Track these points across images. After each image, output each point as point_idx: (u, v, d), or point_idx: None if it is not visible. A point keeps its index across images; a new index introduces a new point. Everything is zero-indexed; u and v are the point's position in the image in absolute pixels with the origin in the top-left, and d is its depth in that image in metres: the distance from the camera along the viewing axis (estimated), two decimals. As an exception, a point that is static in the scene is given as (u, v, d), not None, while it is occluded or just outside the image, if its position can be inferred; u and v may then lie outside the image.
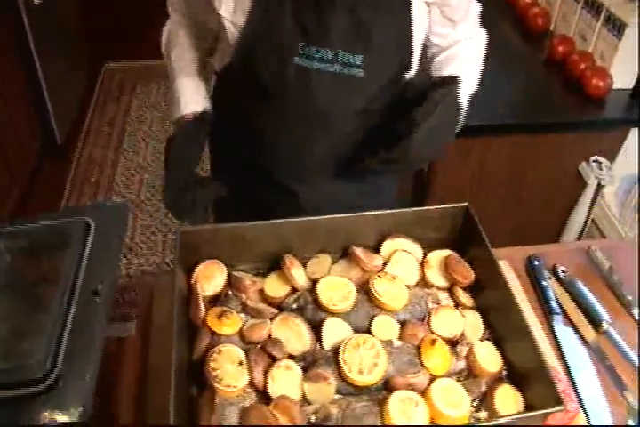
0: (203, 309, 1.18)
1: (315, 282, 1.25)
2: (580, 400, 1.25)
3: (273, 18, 1.29)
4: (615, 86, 2.20)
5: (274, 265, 1.31)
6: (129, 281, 2.96)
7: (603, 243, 1.84)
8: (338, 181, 1.55)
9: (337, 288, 1.23)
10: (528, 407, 1.10)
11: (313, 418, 1.06)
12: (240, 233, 1.28)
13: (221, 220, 1.69)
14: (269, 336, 1.17)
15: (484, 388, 1.13)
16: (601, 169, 2.25)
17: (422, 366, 1.14)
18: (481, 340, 1.21)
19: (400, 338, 1.19)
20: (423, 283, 1.31)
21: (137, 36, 3.83)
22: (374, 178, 1.60)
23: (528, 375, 1.12)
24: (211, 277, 1.26)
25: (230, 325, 1.17)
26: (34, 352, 1.00)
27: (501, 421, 1.04)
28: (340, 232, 1.32)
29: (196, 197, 1.40)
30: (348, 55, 1.31)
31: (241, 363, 1.11)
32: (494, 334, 1.23)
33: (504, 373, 1.17)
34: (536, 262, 1.51)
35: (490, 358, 1.16)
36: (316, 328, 1.19)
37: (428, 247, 1.35)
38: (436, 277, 1.31)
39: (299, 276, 1.27)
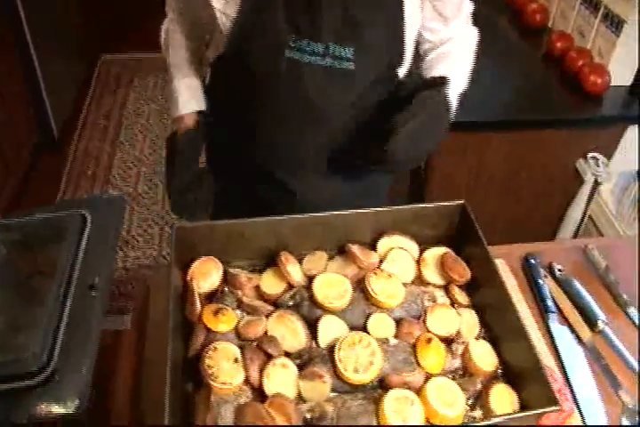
0: (198, 305, 1.18)
1: (311, 279, 1.25)
2: (575, 400, 1.25)
3: (264, 9, 1.29)
4: (613, 83, 2.20)
5: (270, 262, 1.31)
6: (125, 274, 2.97)
7: (599, 241, 1.84)
8: (332, 177, 1.55)
9: (333, 286, 1.22)
10: (523, 407, 1.10)
11: (308, 416, 1.06)
12: (236, 230, 1.28)
13: (218, 216, 1.69)
14: (265, 333, 1.17)
15: (479, 387, 1.13)
16: (598, 166, 2.26)
17: (418, 364, 1.14)
18: (477, 338, 1.21)
19: (396, 336, 1.19)
20: (419, 281, 1.31)
21: (134, 27, 3.83)
22: (368, 175, 1.59)
23: (523, 375, 1.12)
24: (207, 274, 1.25)
25: (226, 322, 1.16)
26: (30, 345, 1.01)
27: (496, 420, 1.04)
28: (337, 229, 1.32)
29: (197, 196, 1.45)
30: (338, 48, 1.31)
31: (236, 360, 1.11)
32: (490, 333, 1.23)
33: (499, 372, 1.17)
34: (532, 261, 1.51)
35: (485, 357, 1.16)
36: (311, 326, 1.19)
37: (424, 245, 1.35)
38: (432, 274, 1.30)
39: (295, 272, 1.26)
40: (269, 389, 1.08)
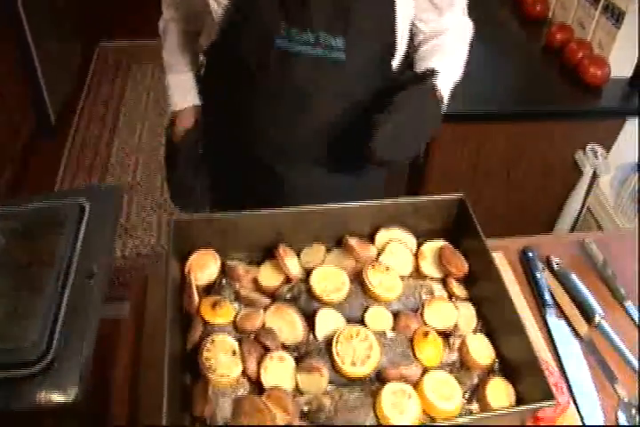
0: (196, 298, 1.18)
1: (309, 271, 1.25)
2: (571, 393, 1.25)
3: None
4: (613, 75, 2.20)
5: (268, 254, 1.31)
6: (124, 262, 2.97)
7: (598, 235, 1.84)
8: (322, 166, 1.55)
9: (330, 279, 1.23)
10: (519, 400, 1.10)
11: (306, 409, 1.07)
12: (234, 222, 1.28)
13: (216, 207, 1.72)
14: (263, 326, 1.17)
15: (475, 380, 1.14)
16: (597, 158, 2.26)
17: (415, 357, 1.14)
18: (474, 332, 1.21)
19: (393, 329, 1.19)
20: (417, 274, 1.31)
21: (133, 14, 3.80)
22: (361, 167, 1.58)
23: (520, 368, 1.12)
24: (204, 267, 1.25)
25: (224, 314, 1.17)
26: (29, 334, 1.02)
27: (491, 414, 1.05)
28: (335, 222, 1.32)
29: (197, 187, 1.50)
30: (329, 38, 1.31)
31: (234, 353, 1.11)
32: (487, 326, 1.23)
33: (496, 365, 1.17)
34: (530, 254, 1.51)
35: (482, 351, 1.17)
36: (309, 318, 1.19)
37: (422, 238, 1.35)
38: (429, 268, 1.30)
39: (292, 265, 1.26)
40: (267, 381, 1.09)
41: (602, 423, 1.22)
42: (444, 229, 1.37)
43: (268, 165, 1.54)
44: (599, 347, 1.35)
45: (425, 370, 1.13)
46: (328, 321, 1.18)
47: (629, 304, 1.43)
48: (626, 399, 1.26)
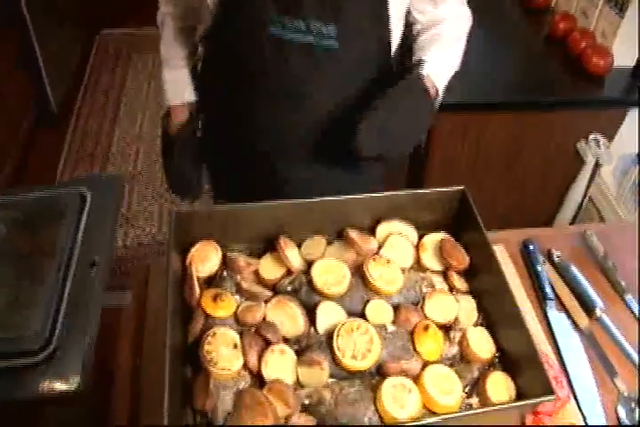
0: (197, 290, 1.18)
1: (310, 264, 1.25)
2: (571, 387, 1.26)
3: None
4: (616, 65, 2.19)
5: (269, 246, 1.30)
6: (125, 252, 2.97)
7: (599, 227, 1.84)
8: (317, 158, 1.54)
9: (331, 272, 1.22)
10: (519, 394, 1.10)
11: (306, 402, 1.07)
12: (235, 214, 1.28)
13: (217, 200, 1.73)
14: (264, 319, 1.17)
15: (476, 374, 1.14)
16: (599, 147, 2.25)
17: (415, 351, 1.14)
18: (474, 325, 1.21)
19: (394, 322, 1.19)
20: (418, 267, 1.31)
21: (133, 3, 3.78)
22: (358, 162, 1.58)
23: (520, 362, 1.12)
24: (205, 259, 1.25)
25: (225, 307, 1.16)
26: (31, 323, 1.03)
27: (491, 409, 1.05)
28: (336, 214, 1.31)
29: (194, 177, 1.54)
30: (320, 25, 1.31)
31: (235, 346, 1.11)
32: (487, 320, 1.23)
33: (496, 359, 1.17)
34: (531, 247, 1.51)
35: (482, 345, 1.17)
36: (310, 311, 1.19)
37: (423, 230, 1.35)
38: (430, 260, 1.30)
39: (293, 257, 1.26)
40: (268, 374, 1.09)
41: (602, 417, 1.22)
42: (444, 222, 1.36)
43: (269, 162, 1.54)
44: (599, 340, 1.35)
45: (425, 364, 1.13)
46: (329, 314, 1.18)
47: (630, 297, 1.43)
48: (625, 393, 1.26)
